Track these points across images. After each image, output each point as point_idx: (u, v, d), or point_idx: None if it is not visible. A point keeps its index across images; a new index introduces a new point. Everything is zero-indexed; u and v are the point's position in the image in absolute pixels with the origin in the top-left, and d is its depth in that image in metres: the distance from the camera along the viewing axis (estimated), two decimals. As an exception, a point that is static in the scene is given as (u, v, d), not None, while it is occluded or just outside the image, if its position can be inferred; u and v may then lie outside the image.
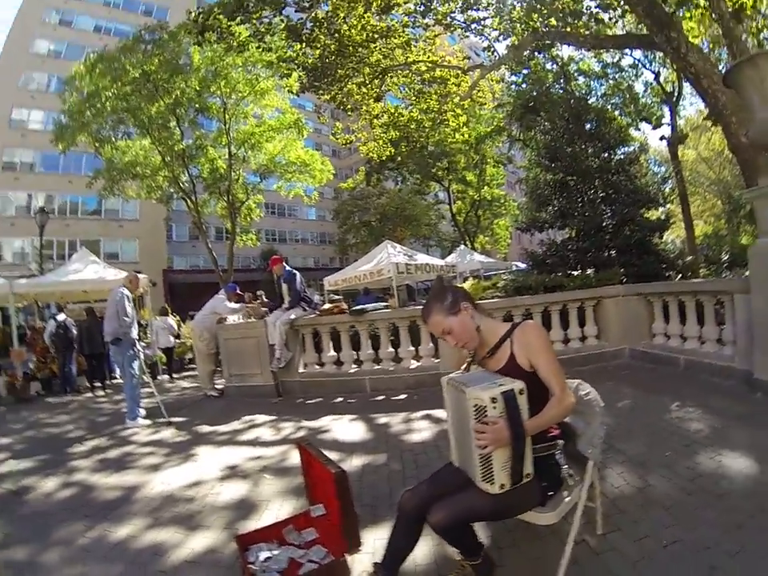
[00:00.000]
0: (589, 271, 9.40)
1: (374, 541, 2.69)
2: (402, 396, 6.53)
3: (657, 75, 20.59)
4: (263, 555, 2.58)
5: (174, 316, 13.63)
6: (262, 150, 22.72)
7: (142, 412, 6.70)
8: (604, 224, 10.74)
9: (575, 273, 9.42)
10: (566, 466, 2.18)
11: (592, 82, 21.96)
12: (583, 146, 11.52)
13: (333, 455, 4.18)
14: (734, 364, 5.21)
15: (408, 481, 3.52)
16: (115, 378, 11.15)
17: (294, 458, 4.03)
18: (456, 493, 2.07)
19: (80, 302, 13.04)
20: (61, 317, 10.54)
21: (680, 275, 10.17)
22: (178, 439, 5.66)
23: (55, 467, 4.82)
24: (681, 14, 11.76)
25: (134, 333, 6.85)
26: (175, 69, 18.67)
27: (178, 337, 12.97)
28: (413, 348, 7.17)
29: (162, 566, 2.80)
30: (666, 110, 21.83)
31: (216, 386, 8.31)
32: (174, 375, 12.28)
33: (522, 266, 19.22)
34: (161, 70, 18.26)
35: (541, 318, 7.06)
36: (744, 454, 3.33)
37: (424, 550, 2.53)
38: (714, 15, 9.52)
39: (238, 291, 9.02)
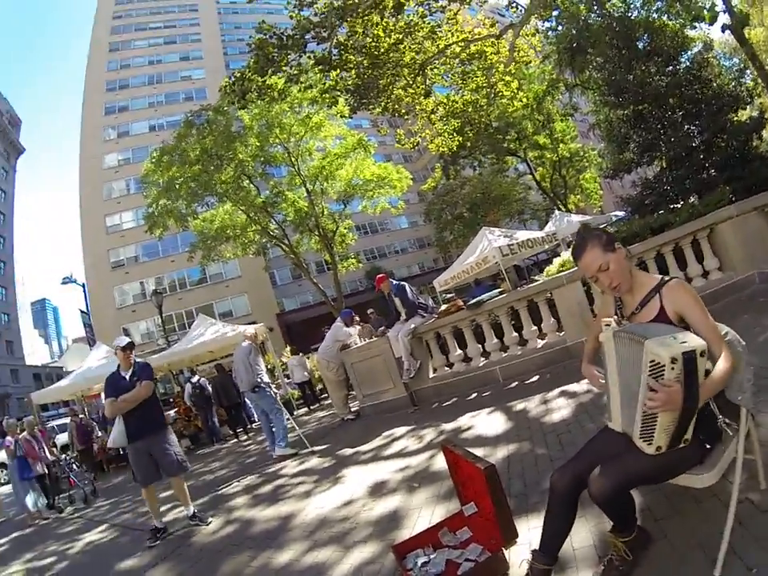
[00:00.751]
0: (692, 199, 8.66)
1: (529, 530, 2.64)
2: (534, 378, 6.40)
3: None
4: (421, 561, 2.62)
5: (300, 354, 14.39)
6: (336, 178, 23.34)
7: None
8: (694, 144, 9.90)
9: (678, 205, 8.72)
10: (721, 416, 1.99)
11: None
12: (644, 68, 10.72)
13: (477, 451, 4.15)
14: None
15: (556, 462, 3.43)
16: (254, 421, 11.99)
17: (439, 462, 4.08)
18: (609, 460, 1.97)
19: (208, 361, 14.11)
20: (195, 378, 11.75)
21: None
22: (325, 465, 5.90)
23: (215, 507, 5.27)
24: None
25: (266, 377, 7.56)
26: (230, 136, 19.87)
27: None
28: (535, 327, 7.01)
29: None
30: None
31: (351, 410, 8.60)
32: (311, 407, 12.94)
33: (621, 214, 18.24)
34: (218, 142, 19.48)
35: (655, 263, 6.60)
36: None
37: (581, 531, 2.42)
38: None
39: (354, 315, 9.29)
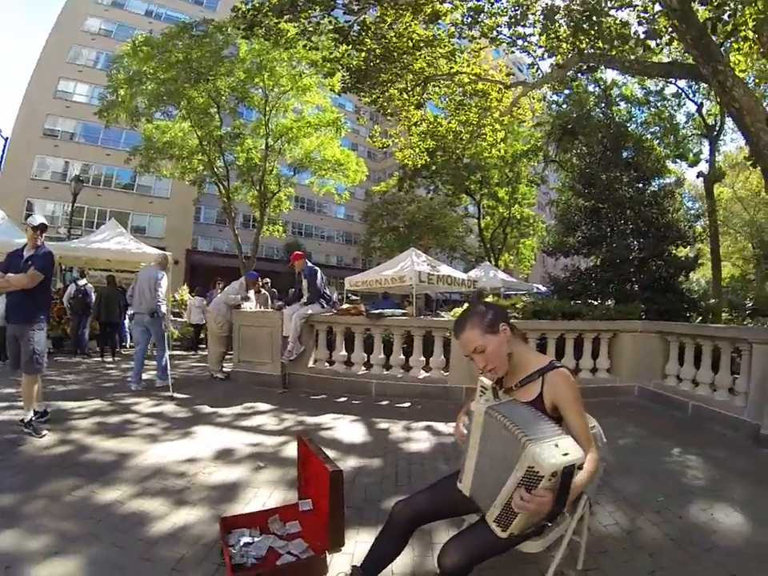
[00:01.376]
0: (609, 302, 9.23)
1: (356, 543, 2.67)
2: (407, 404, 6.48)
3: (700, 107, 20.09)
4: (244, 540, 2.60)
5: (193, 295, 13.91)
6: (298, 145, 22.87)
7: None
8: (631, 256, 10.61)
9: (596, 302, 9.26)
10: None
11: (633, 109, 21.57)
12: (618, 174, 11.40)
13: (329, 453, 4.17)
14: (743, 416, 5.07)
15: (400, 488, 3.52)
16: (125, 347, 11.38)
17: (290, 450, 4.05)
18: (453, 515, 2.04)
19: (102, 269, 13.28)
20: (82, 282, 10.79)
21: (700, 317, 10.00)
22: (179, 415, 5.72)
23: (55, 423, 4.92)
24: (728, 46, 11.58)
25: (165, 308, 7.56)
26: (219, 58, 18.91)
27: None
28: (424, 358, 7.13)
29: (142, 534, 2.82)
30: (706, 145, 21.43)
31: (223, 369, 8.38)
32: (190, 351, 12.72)
33: (543, 289, 19.07)
34: (204, 57, 18.49)
35: (555, 344, 6.97)
36: (738, 509, 3.26)
37: (405, 559, 2.45)
38: (762, 49, 9.30)
39: (258, 279, 9.10)
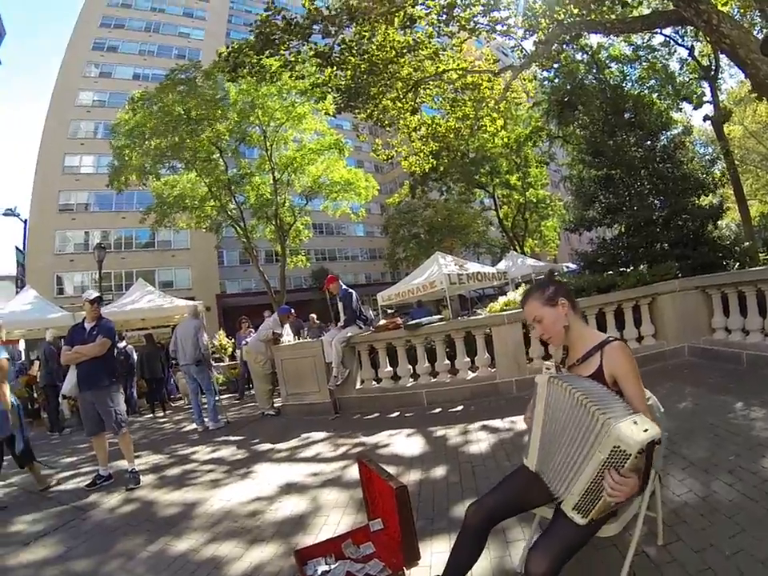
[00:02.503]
0: (642, 267, 9.02)
1: (431, 554, 2.66)
2: (459, 407, 6.45)
3: (691, 50, 19.56)
4: (321, 569, 2.62)
5: (230, 338, 14.01)
6: (305, 173, 23.10)
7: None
8: (654, 217, 10.39)
9: (628, 270, 9.06)
10: None
11: (625, 68, 21.10)
12: (624, 137, 11.21)
13: (390, 469, 4.19)
14: None
15: (466, 493, 3.48)
16: (173, 399, 11.56)
17: (352, 473, 4.09)
18: (544, 535, 1.94)
19: (138, 329, 13.59)
20: (122, 344, 11.00)
21: (738, 263, 9.70)
22: (237, 457, 5.80)
23: (119, 484, 5.04)
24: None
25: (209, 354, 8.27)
26: (212, 104, 19.27)
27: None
28: (468, 359, 7.10)
29: None
30: (706, 87, 20.83)
31: (273, 405, 8.47)
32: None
33: (573, 266, 18.80)
34: (199, 105, 18.88)
35: (595, 320, 6.82)
36: None
37: (483, 563, 2.44)
38: None
39: (291, 313, 9.18)
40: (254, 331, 10.42)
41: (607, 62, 20.64)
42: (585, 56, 19.94)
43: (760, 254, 10.02)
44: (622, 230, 10.91)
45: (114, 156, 20.87)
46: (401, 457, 4.77)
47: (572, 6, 9.83)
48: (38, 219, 32.20)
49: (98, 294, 5.49)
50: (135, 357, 10.98)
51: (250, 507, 3.98)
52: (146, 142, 19.25)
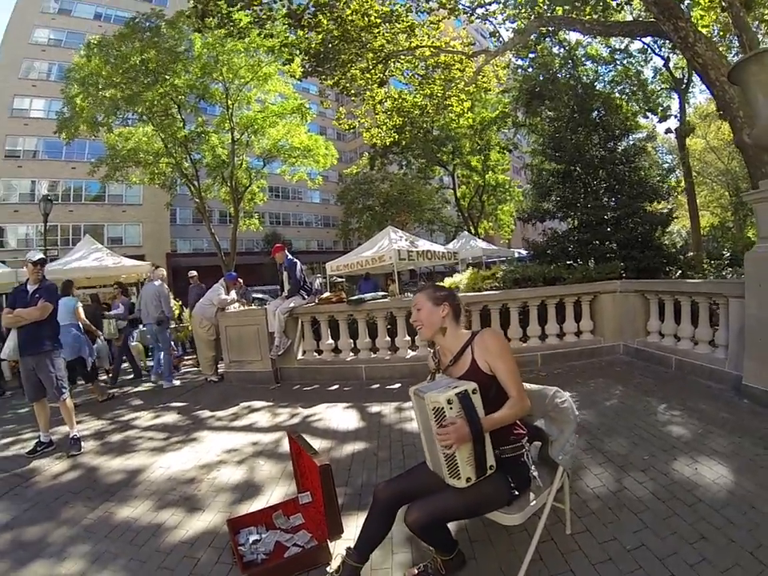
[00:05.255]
0: (589, 263, 9.34)
1: (357, 528, 2.77)
2: (397, 385, 6.59)
3: (666, 61, 19.93)
4: (252, 538, 2.75)
5: (177, 301, 13.68)
6: (265, 135, 22.63)
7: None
8: (606, 216, 10.70)
9: (576, 264, 9.35)
10: (533, 467, 2.30)
11: (600, 68, 21.46)
12: (588, 135, 11.43)
13: (325, 443, 4.39)
14: (724, 368, 5.17)
15: (395, 471, 3.61)
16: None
17: (287, 445, 4.14)
18: (429, 493, 2.20)
19: (84, 287, 13.16)
20: None
21: (680, 271, 10.12)
22: (179, 423, 5.82)
23: (62, 450, 4.98)
24: (689, 1, 11.58)
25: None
26: (175, 56, 18.43)
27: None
28: (409, 338, 7.25)
29: (159, 545, 2.96)
30: (675, 98, 21.40)
31: (217, 372, 8.45)
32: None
33: (525, 253, 19.18)
34: (160, 57, 18.06)
35: (537, 310, 7.10)
36: (722, 462, 3.35)
37: (401, 538, 2.66)
38: (723, 3, 9.33)
39: (237, 279, 9.21)
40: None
41: (583, 59, 20.88)
42: (561, 50, 20.10)
43: (703, 265, 10.45)
44: (575, 224, 11.21)
45: (64, 104, 19.75)
46: (335, 431, 4.92)
47: (555, 1, 9.90)
48: None
49: (41, 256, 5.33)
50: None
51: (189, 475, 4.05)
52: (100, 92, 18.26)
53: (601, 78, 21.33)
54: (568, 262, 9.69)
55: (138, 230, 35.88)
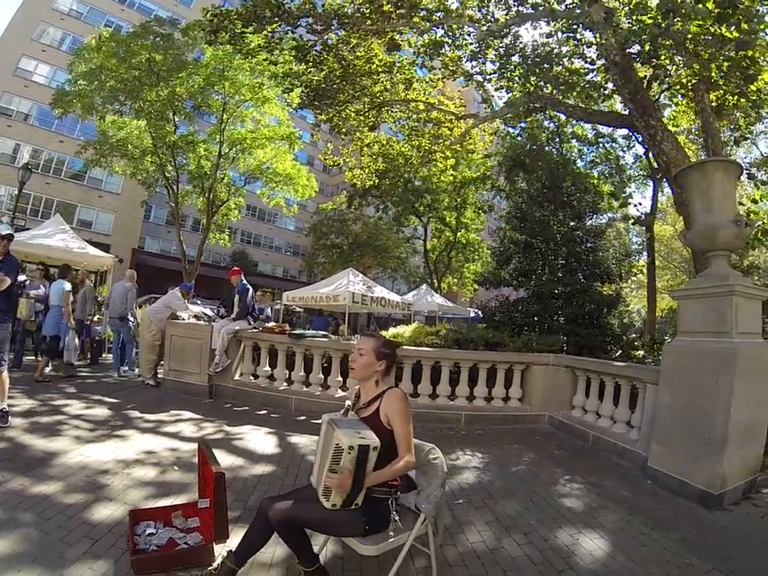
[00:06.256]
0: (532, 334, 9.58)
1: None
2: (320, 420, 6.75)
3: (647, 150, 20.29)
4: (149, 530, 3.02)
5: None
6: (252, 155, 23.08)
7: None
8: (558, 290, 11.06)
9: (520, 332, 9.67)
10: (395, 512, 2.59)
11: (584, 147, 22.18)
12: (554, 211, 11.93)
13: (239, 461, 4.70)
14: (635, 448, 5.43)
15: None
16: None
17: (203, 456, 4.40)
18: (294, 501, 2.54)
19: (38, 263, 13.05)
20: (21, 277, 10.55)
21: (621, 351, 10.57)
22: (106, 418, 6.00)
23: None
24: (665, 102, 12.45)
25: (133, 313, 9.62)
26: (181, 64, 18.96)
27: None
28: (341, 378, 7.53)
29: (63, 522, 3.19)
30: (650, 185, 22.17)
31: (156, 376, 8.57)
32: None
33: (481, 314, 19.64)
34: (166, 62, 18.57)
35: (468, 372, 7.37)
36: (604, 536, 3.52)
37: (282, 553, 2.95)
38: (697, 107, 10.07)
39: (191, 290, 9.74)
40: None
41: (570, 136, 21.42)
42: (552, 124, 20.86)
43: (638, 350, 10.88)
44: (528, 294, 11.58)
45: (67, 81, 20.01)
46: (252, 452, 5.16)
47: (547, 82, 10.52)
48: None
49: (10, 231, 5.52)
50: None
51: (105, 466, 4.25)
52: (103, 81, 18.64)
53: (584, 156, 22.13)
54: (514, 329, 10.06)
55: (111, 218, 35.39)
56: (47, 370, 8.29)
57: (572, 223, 11.97)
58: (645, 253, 21.34)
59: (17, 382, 6.98)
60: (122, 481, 3.98)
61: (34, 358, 9.81)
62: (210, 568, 2.65)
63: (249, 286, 8.32)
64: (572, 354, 8.27)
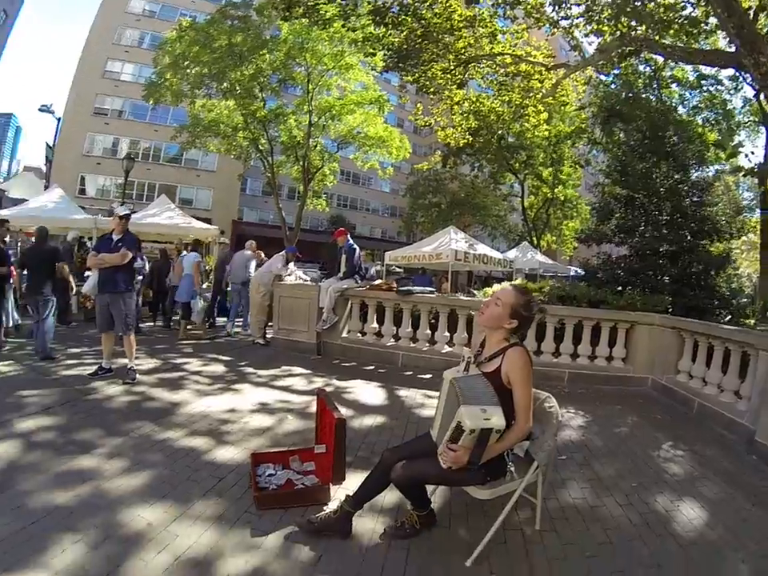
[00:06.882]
0: (636, 292, 9.11)
1: (357, 483, 3.08)
2: (428, 375, 6.93)
3: (758, 92, 18.78)
4: (268, 471, 3.26)
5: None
6: (342, 121, 23.11)
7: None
8: (662, 249, 10.37)
9: (624, 291, 9.15)
10: (511, 462, 2.57)
11: (685, 92, 20.24)
12: (657, 163, 11.12)
13: (350, 412, 4.86)
14: (743, 420, 5.02)
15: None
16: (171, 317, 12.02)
17: (315, 407, 4.60)
18: (413, 459, 2.59)
19: (152, 241, 14.07)
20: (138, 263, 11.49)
21: (730, 316, 9.69)
22: (223, 374, 6.49)
23: (119, 378, 5.73)
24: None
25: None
26: (261, 42, 19.43)
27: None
28: (448, 334, 7.57)
29: (190, 463, 3.54)
30: (762, 133, 20.13)
31: (265, 336, 9.07)
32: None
33: (582, 272, 18.94)
34: (246, 42, 19.06)
35: (573, 329, 7.18)
36: (705, 506, 3.38)
37: (395, 498, 3.04)
38: None
39: (297, 253, 9.83)
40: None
41: (669, 80, 19.72)
42: (648, 69, 19.28)
43: (749, 316, 9.91)
44: (628, 253, 11.02)
45: (154, 73, 21.18)
46: (362, 404, 5.37)
47: (639, 22, 9.75)
48: (71, 118, 32.97)
49: (128, 211, 6.18)
50: (147, 268, 11.38)
51: (224, 416, 4.61)
52: (188, 69, 19.55)
53: (685, 103, 20.23)
54: (618, 288, 9.52)
55: (209, 194, 37.77)
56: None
57: (676, 176, 11.08)
58: (758, 209, 19.33)
59: (139, 344, 7.67)
60: (241, 428, 4.31)
61: (152, 323, 10.89)
62: (329, 510, 2.79)
63: (355, 245, 8.47)
64: (678, 316, 7.70)
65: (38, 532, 2.52)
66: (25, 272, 7.41)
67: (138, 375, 5.79)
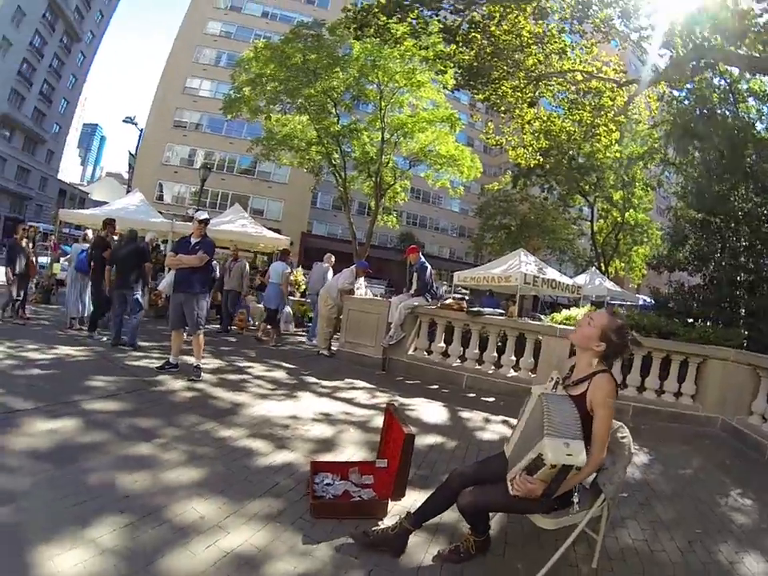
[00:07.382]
0: (708, 324, 8.56)
1: (414, 501, 3.16)
2: (491, 399, 6.91)
3: None
4: (326, 480, 3.32)
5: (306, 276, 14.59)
6: (414, 139, 23.16)
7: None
8: (740, 277, 9.62)
9: (696, 323, 8.61)
10: (577, 494, 2.52)
11: (764, 106, 17.98)
12: (735, 185, 10.35)
13: (412, 429, 4.77)
14: None
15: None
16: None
17: (376, 421, 4.75)
18: (486, 484, 2.57)
19: (224, 247, 14.62)
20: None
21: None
22: (286, 381, 6.71)
23: (184, 374, 6.06)
24: None
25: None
26: (334, 60, 19.85)
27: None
28: (515, 358, 7.49)
29: (248, 464, 3.67)
30: None
31: (330, 348, 9.25)
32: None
33: (651, 300, 18.15)
34: (320, 60, 19.55)
35: (641, 360, 6.87)
36: None
37: (450, 518, 2.98)
38: None
39: (368, 268, 10.04)
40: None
41: (746, 94, 18.68)
42: (722, 82, 18.25)
43: None
44: (703, 282, 10.30)
45: (232, 89, 22.24)
46: (424, 422, 5.37)
47: (713, 32, 9.36)
48: (152, 130, 35.82)
49: (207, 217, 6.52)
50: (218, 271, 11.81)
51: (286, 422, 4.75)
52: (264, 86, 20.39)
53: (763, 118, 18.95)
54: (689, 320, 8.99)
55: (280, 206, 39.41)
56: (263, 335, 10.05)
57: (756, 198, 10.23)
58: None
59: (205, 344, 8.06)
60: (301, 435, 4.43)
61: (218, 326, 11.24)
62: (387, 525, 2.82)
63: (427, 263, 8.55)
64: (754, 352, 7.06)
65: (91, 509, 2.67)
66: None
67: (202, 374, 6.08)
